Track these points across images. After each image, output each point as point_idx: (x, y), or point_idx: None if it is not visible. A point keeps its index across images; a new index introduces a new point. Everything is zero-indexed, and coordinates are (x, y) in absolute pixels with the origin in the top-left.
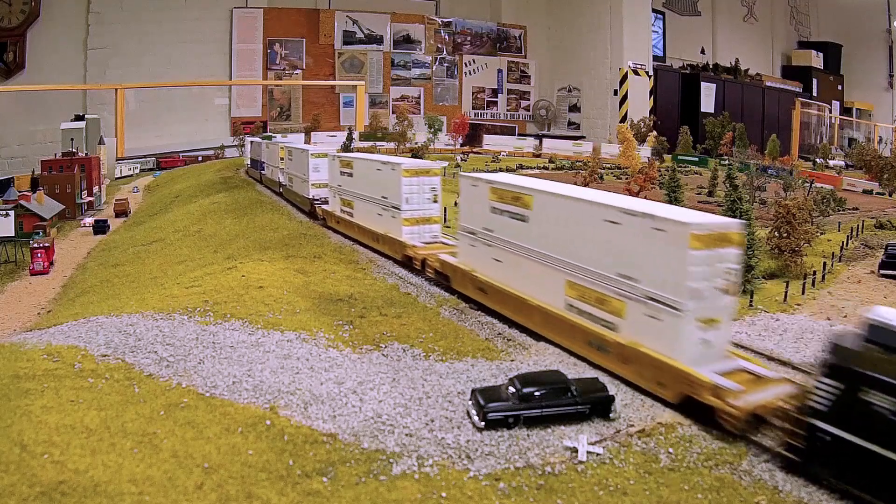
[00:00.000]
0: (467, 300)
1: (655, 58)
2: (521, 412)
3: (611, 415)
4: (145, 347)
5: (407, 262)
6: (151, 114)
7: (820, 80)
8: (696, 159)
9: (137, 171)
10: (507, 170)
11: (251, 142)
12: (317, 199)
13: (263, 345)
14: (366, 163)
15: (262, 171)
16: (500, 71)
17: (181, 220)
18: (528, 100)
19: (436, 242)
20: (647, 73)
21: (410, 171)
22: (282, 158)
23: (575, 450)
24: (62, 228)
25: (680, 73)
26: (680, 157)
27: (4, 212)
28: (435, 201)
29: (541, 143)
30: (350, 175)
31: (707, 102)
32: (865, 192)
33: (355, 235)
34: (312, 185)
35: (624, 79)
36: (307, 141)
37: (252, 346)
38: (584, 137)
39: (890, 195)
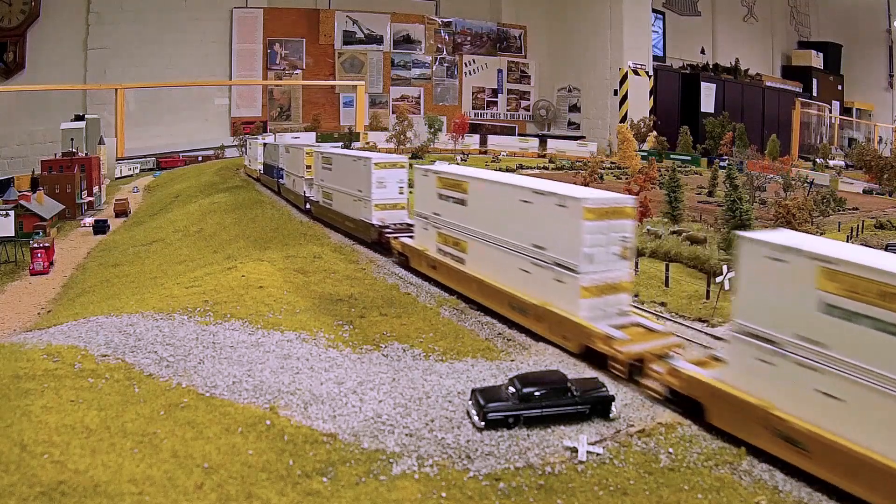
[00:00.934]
0: (732, 440)
1: (655, 58)
2: (521, 412)
3: (611, 415)
4: (145, 347)
5: (591, 356)
6: (151, 114)
7: (820, 80)
8: (656, 154)
9: (137, 171)
10: (508, 170)
11: (265, 144)
12: (387, 228)
13: (263, 345)
14: (499, 187)
15: (280, 181)
16: (500, 71)
17: (181, 220)
18: (528, 100)
19: (633, 325)
20: (647, 73)
21: (596, 210)
22: (308, 167)
23: (575, 450)
24: (62, 228)
25: (680, 73)
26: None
27: (4, 212)
28: (625, 257)
29: (485, 141)
30: (461, 203)
31: (707, 102)
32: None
33: (471, 294)
34: (376, 206)
35: (624, 79)
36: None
37: (252, 346)
38: (584, 137)
39: (890, 195)
